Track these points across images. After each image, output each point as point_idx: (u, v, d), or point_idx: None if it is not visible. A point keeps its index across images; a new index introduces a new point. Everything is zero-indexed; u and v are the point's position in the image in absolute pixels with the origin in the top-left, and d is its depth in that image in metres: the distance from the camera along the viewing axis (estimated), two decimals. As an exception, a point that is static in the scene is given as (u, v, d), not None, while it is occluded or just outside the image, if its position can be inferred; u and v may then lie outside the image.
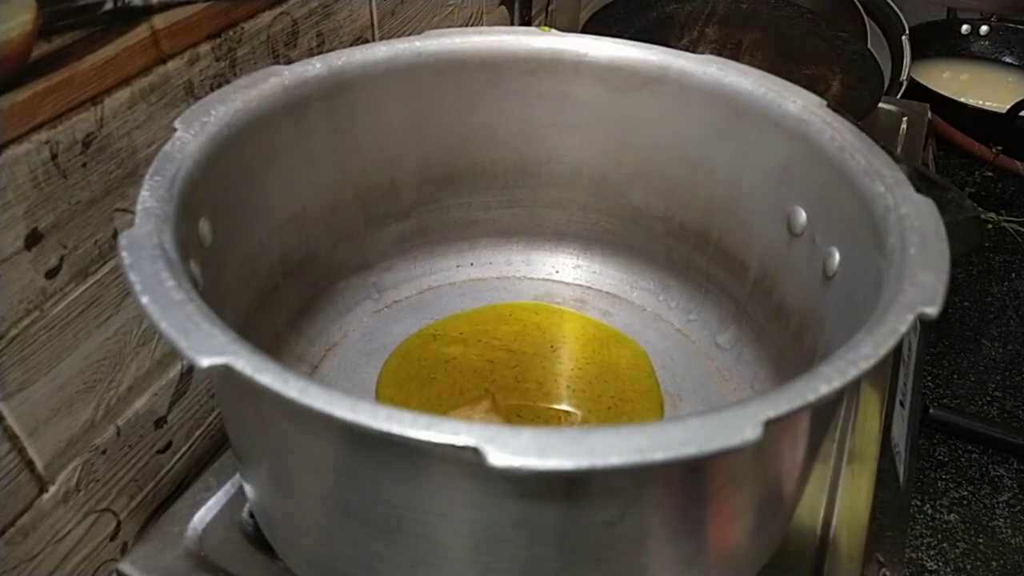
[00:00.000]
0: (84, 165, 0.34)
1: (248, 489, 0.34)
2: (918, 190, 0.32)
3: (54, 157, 0.32)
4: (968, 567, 0.57)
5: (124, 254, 0.25)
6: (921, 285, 0.26)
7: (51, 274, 0.34)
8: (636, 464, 0.19)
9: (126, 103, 0.35)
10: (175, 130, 0.32)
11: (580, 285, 0.50)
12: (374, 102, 0.41)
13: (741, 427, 0.20)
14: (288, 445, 0.26)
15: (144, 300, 0.23)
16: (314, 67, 0.38)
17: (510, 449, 0.20)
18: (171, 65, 0.37)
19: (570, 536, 0.24)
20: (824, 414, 0.29)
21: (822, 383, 0.22)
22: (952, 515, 0.61)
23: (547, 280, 0.51)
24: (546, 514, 0.23)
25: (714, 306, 0.46)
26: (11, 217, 0.31)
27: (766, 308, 0.41)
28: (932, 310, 0.25)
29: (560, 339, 0.46)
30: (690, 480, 0.24)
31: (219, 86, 0.40)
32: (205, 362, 0.21)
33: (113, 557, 0.41)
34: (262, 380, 0.21)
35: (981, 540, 0.59)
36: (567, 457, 0.20)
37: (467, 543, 0.25)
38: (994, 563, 0.58)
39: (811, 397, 0.21)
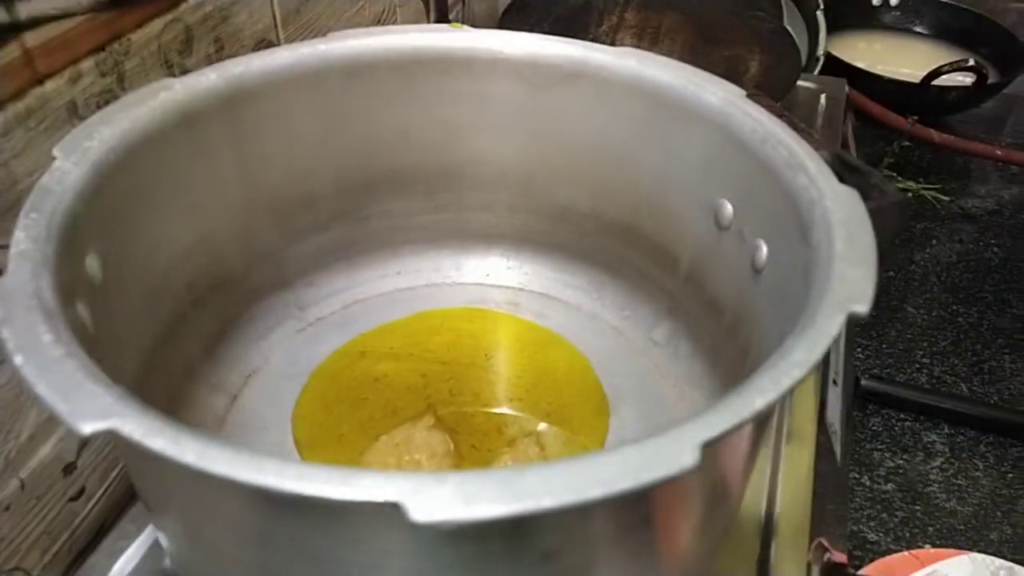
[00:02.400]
0: (-45, 202, 0.31)
1: (163, 541, 0.31)
2: (841, 178, 0.31)
3: (-83, 196, 0.29)
4: (907, 535, 0.59)
5: (-5, 307, 0.23)
6: (850, 282, 0.25)
7: (-75, 324, 0.30)
8: (571, 505, 0.18)
9: (-1, 130, 0.32)
10: (54, 159, 0.29)
11: (513, 287, 0.49)
12: (280, 112, 0.39)
13: (678, 453, 0.19)
14: (197, 505, 0.24)
15: (18, 360, 0.21)
16: (208, 78, 0.35)
17: (434, 501, 0.18)
18: (49, 86, 0.34)
19: (509, 574, 0.23)
20: (762, 420, 0.29)
21: (757, 396, 0.21)
22: (889, 484, 0.62)
23: (479, 284, 0.49)
24: (481, 554, 0.22)
25: (648, 302, 0.45)
26: None
27: (699, 302, 0.41)
28: (862, 308, 0.24)
29: (495, 346, 0.45)
30: (631, 504, 0.23)
31: (107, 103, 0.37)
32: (87, 428, 0.19)
33: (29, 617, 0.38)
34: (154, 445, 0.19)
35: (918, 507, 0.60)
36: (496, 503, 0.18)
37: (401, 591, 0.23)
38: (931, 528, 0.59)
39: (747, 413, 0.21)
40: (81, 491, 0.40)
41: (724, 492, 0.28)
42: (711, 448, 0.20)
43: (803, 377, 0.22)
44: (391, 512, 0.18)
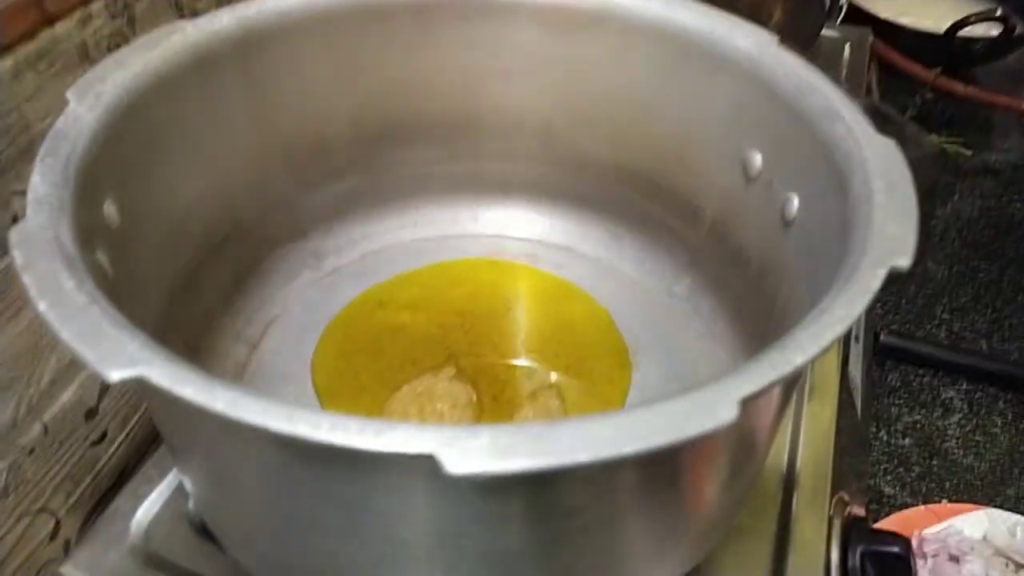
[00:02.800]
0: (-32, 146, 0.30)
1: (188, 486, 0.31)
2: (877, 129, 0.30)
3: (-70, 139, 0.28)
4: (924, 489, 0.59)
5: (16, 252, 0.22)
6: (890, 235, 0.25)
7: (-56, 270, 0.30)
8: (606, 460, 0.18)
9: (10, 73, 0.31)
10: (67, 103, 0.28)
11: (531, 239, 0.48)
12: (294, 56, 0.38)
13: (716, 408, 0.19)
14: (224, 452, 0.24)
15: (41, 306, 0.20)
16: (221, 20, 0.34)
17: (468, 454, 0.18)
18: (59, 27, 0.33)
19: (537, 527, 0.23)
20: (797, 376, 0.28)
21: (797, 353, 0.21)
22: (907, 439, 0.62)
23: (496, 236, 0.48)
24: (509, 508, 0.22)
25: (669, 255, 0.44)
26: None
27: (722, 256, 0.40)
28: (904, 262, 0.24)
29: (513, 298, 0.45)
30: (662, 459, 0.23)
31: (117, 47, 0.36)
32: (115, 375, 0.19)
33: (55, 556, 0.39)
34: (183, 393, 0.19)
35: (935, 462, 0.61)
36: (530, 457, 0.18)
37: (428, 541, 0.23)
38: (947, 484, 0.59)
39: (787, 369, 0.20)
40: (103, 436, 0.41)
41: (752, 448, 0.28)
42: (748, 404, 0.19)
43: (843, 333, 0.21)
44: (424, 464, 0.18)
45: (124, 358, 0.19)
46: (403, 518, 0.22)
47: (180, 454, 0.28)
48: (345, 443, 0.18)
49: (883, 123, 0.32)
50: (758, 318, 0.37)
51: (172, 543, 0.35)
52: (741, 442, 0.26)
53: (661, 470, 0.24)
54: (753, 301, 0.38)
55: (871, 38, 0.80)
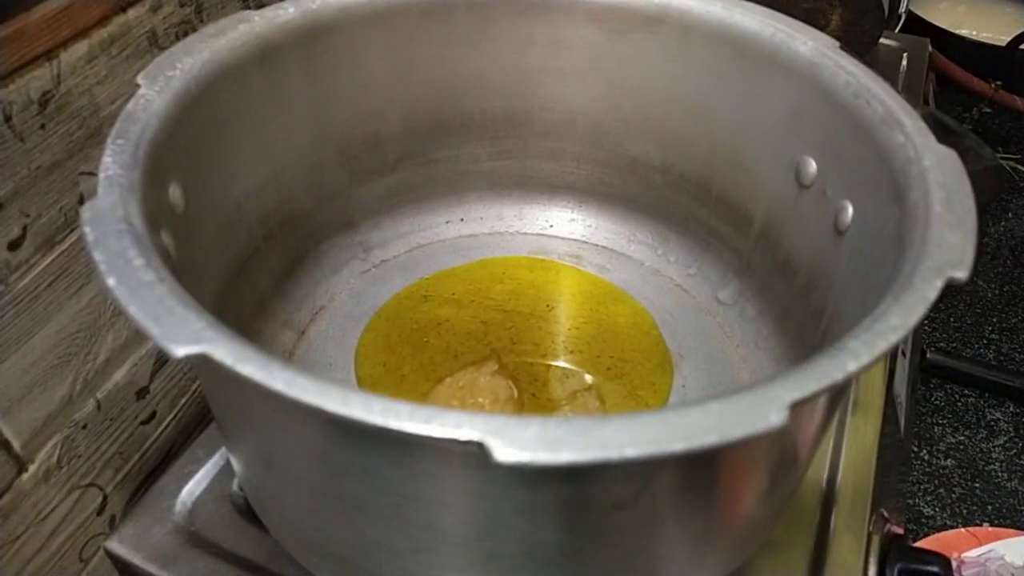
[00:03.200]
0: (42, 127, 0.31)
1: (236, 465, 0.32)
2: (937, 139, 0.30)
3: (8, 119, 0.29)
4: (964, 512, 0.58)
5: (87, 229, 0.23)
6: (948, 246, 0.24)
7: (14, 246, 0.31)
8: (653, 456, 0.18)
9: (84, 57, 0.32)
10: (138, 87, 0.29)
11: (575, 239, 0.48)
12: (354, 49, 0.39)
13: (765, 411, 0.19)
14: (275, 432, 0.24)
15: (110, 282, 0.21)
16: (287, 11, 0.35)
17: (517, 443, 0.18)
18: (131, 13, 0.34)
19: (577, 521, 0.23)
20: (846, 386, 0.28)
21: (849, 359, 0.20)
22: (949, 460, 0.61)
23: (541, 235, 0.49)
24: (553, 500, 0.22)
25: (715, 260, 0.44)
26: (-36, 186, 0.29)
27: (771, 263, 0.40)
28: (961, 274, 0.23)
29: (556, 297, 0.45)
30: (705, 461, 0.23)
31: (185, 35, 0.37)
32: (180, 351, 0.20)
33: (101, 531, 0.40)
34: (244, 371, 0.19)
35: (977, 484, 0.59)
36: (579, 449, 0.18)
37: (470, 530, 0.23)
38: (990, 507, 0.58)
39: (839, 376, 0.20)
40: (152, 415, 0.42)
41: (795, 456, 0.27)
42: (797, 409, 0.19)
43: (898, 342, 0.21)
44: (473, 451, 0.18)
45: (189, 335, 0.20)
46: (447, 505, 0.23)
47: (231, 431, 0.29)
48: (396, 427, 0.18)
49: (943, 133, 0.31)
50: (804, 327, 0.37)
51: (215, 523, 0.36)
52: (785, 448, 0.26)
53: (703, 471, 0.23)
54: (800, 310, 0.37)
55: (929, 48, 0.79)
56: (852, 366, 0.20)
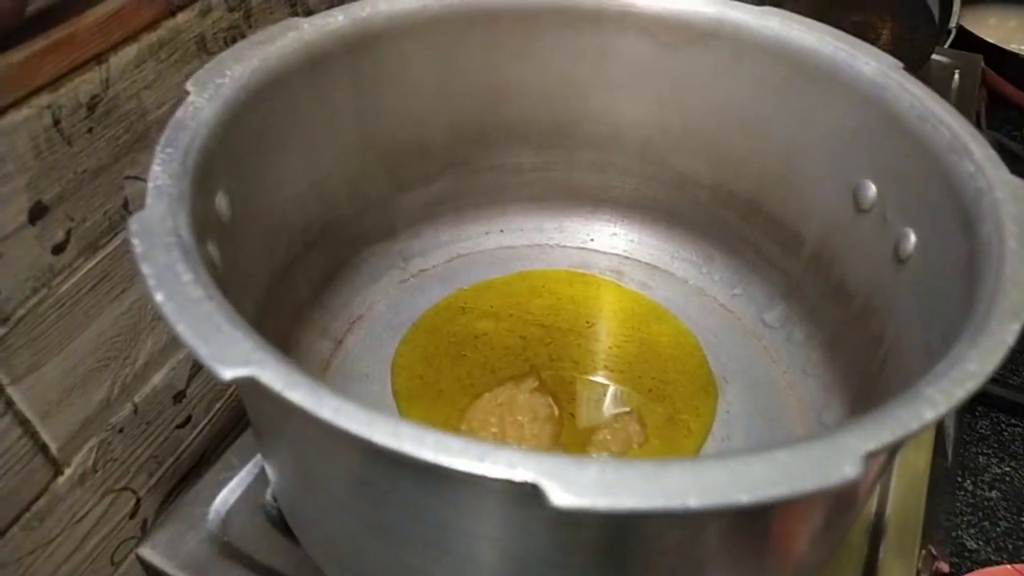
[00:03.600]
0: (90, 130, 0.31)
1: (271, 477, 0.32)
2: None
3: (57, 123, 0.29)
4: (1010, 546, 0.55)
5: (135, 241, 0.23)
6: (1026, 286, 0.23)
7: (58, 249, 0.31)
8: (718, 507, 0.17)
9: (133, 61, 0.32)
10: (187, 93, 0.29)
11: (617, 254, 0.47)
12: (401, 58, 0.38)
13: (838, 463, 0.18)
14: (317, 455, 0.24)
15: (159, 298, 0.21)
16: (336, 19, 0.35)
17: (574, 487, 0.17)
18: (181, 17, 0.34)
19: (623, 563, 0.22)
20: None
21: (926, 408, 0.19)
22: (994, 492, 0.59)
23: (582, 248, 0.48)
24: (600, 540, 0.21)
25: (762, 281, 0.43)
26: (13, 190, 0.28)
27: (823, 286, 0.38)
28: (1042, 317, 0.22)
29: (596, 314, 0.44)
30: (765, 508, 0.22)
31: (233, 40, 0.37)
32: (228, 374, 0.19)
33: (134, 535, 0.40)
34: (292, 397, 0.19)
35: (1023, 518, 0.57)
36: (640, 496, 0.17)
37: (513, 565, 0.23)
38: (1036, 542, 0.56)
39: (915, 426, 0.19)
40: (188, 419, 0.42)
41: (854, 501, 0.26)
42: (871, 460, 0.18)
43: (976, 389, 0.20)
44: (528, 492, 0.17)
45: (237, 357, 0.19)
46: (489, 539, 0.22)
47: (269, 446, 0.28)
48: (448, 464, 0.18)
49: (1010, 160, 0.30)
50: (859, 355, 0.35)
51: (248, 534, 0.36)
52: (846, 495, 0.25)
53: (760, 518, 0.22)
54: (854, 338, 0.36)
55: (982, 64, 0.77)
56: (929, 415, 0.19)
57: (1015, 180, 0.27)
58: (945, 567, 0.42)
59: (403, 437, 0.18)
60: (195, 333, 0.20)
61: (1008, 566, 0.53)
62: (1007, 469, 0.60)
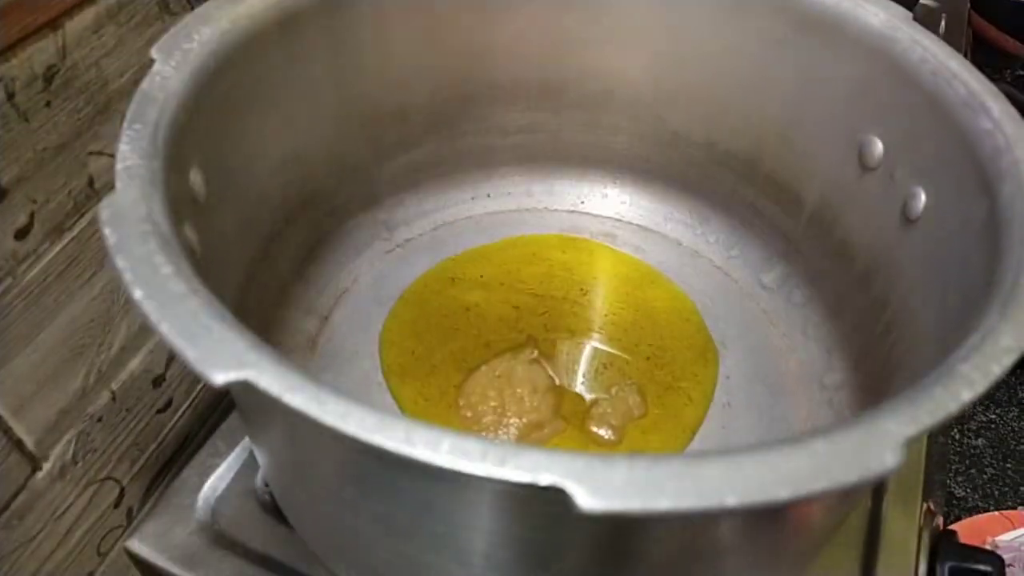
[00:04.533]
0: (48, 104, 0.28)
1: (262, 464, 0.30)
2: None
3: (11, 97, 0.27)
4: (996, 493, 0.56)
5: (107, 231, 0.21)
6: (1057, 252, 0.22)
7: (21, 234, 0.29)
8: (758, 504, 0.16)
9: (91, 26, 0.29)
10: (152, 61, 0.26)
11: (609, 217, 0.46)
12: (379, 16, 0.36)
13: (878, 451, 0.17)
14: (318, 455, 0.22)
15: (137, 294, 0.19)
16: (309, -25, 0.32)
17: (603, 490, 0.16)
18: (140, -24, 0.31)
19: (642, 556, 0.21)
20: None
21: (963, 388, 0.18)
22: (980, 440, 0.59)
23: (572, 212, 0.46)
24: (620, 536, 0.20)
25: (759, 242, 0.42)
26: (-35, 173, 0.26)
27: (824, 247, 0.37)
28: (1075, 284, 0.21)
29: (590, 280, 0.42)
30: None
31: (199, 1, 0.34)
32: (220, 378, 0.17)
33: (119, 524, 0.39)
34: (292, 402, 0.17)
35: (1009, 465, 0.58)
36: (675, 497, 0.16)
37: (528, 560, 0.22)
38: (1022, 488, 0.57)
39: (953, 407, 0.18)
40: (168, 403, 0.40)
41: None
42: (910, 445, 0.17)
43: (1011, 365, 0.19)
44: (553, 497, 0.16)
45: (229, 358, 0.18)
46: (505, 537, 0.21)
47: (262, 441, 0.27)
48: (468, 470, 0.16)
49: (1019, 112, 0.29)
50: (862, 318, 0.35)
51: (240, 521, 0.35)
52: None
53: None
54: (857, 300, 0.35)
55: (968, 8, 0.75)
56: (967, 395, 0.18)
57: (1035, 136, 0.26)
58: (940, 520, 0.43)
59: (417, 442, 0.17)
60: (180, 333, 0.18)
61: (996, 513, 0.54)
62: (992, 417, 0.61)
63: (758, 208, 0.41)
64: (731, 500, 0.16)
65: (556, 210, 0.46)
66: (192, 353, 0.18)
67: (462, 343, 0.39)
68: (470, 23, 0.38)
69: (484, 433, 0.35)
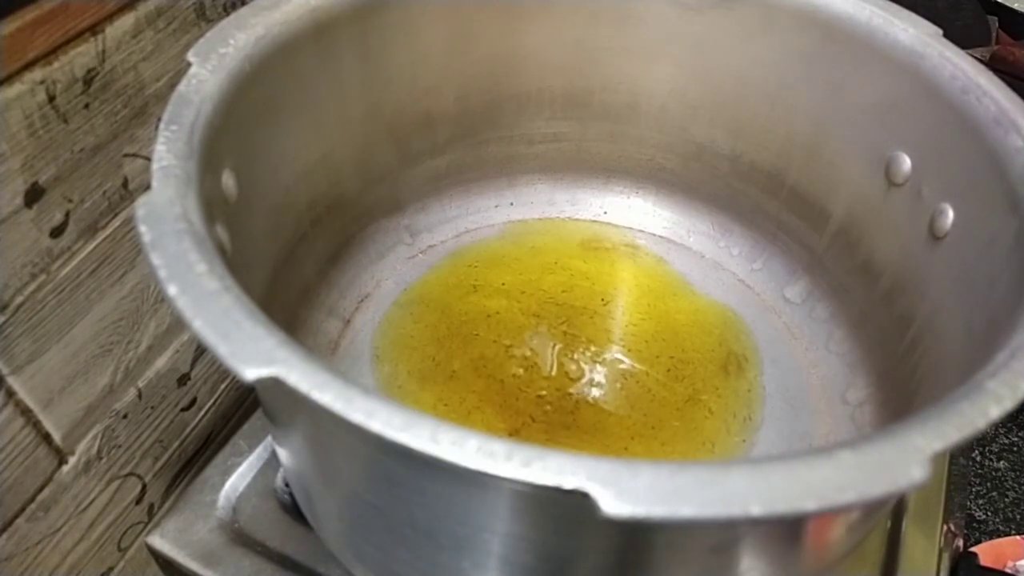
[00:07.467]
0: (86, 106, 0.29)
1: (285, 465, 0.31)
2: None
3: (51, 99, 0.27)
4: (1018, 517, 0.55)
5: (143, 228, 0.21)
6: (1088, 270, 0.22)
7: (56, 232, 0.30)
8: (783, 514, 0.16)
9: (130, 31, 0.30)
10: (189, 64, 0.27)
11: (631, 228, 0.46)
12: (409, 23, 0.36)
13: (905, 465, 0.17)
14: (343, 453, 0.22)
15: (171, 291, 0.19)
16: (342, -17, 0.33)
17: (628, 495, 0.16)
18: (179, -18, 0.32)
19: (669, 562, 0.21)
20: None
21: (991, 404, 0.18)
22: (1002, 462, 0.59)
23: (595, 221, 0.46)
24: (647, 543, 0.20)
25: (783, 255, 0.42)
26: (7, 171, 0.27)
27: (848, 262, 0.37)
28: (1106, 303, 0.21)
29: (611, 291, 0.43)
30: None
31: (233, 7, 0.35)
32: (250, 374, 0.18)
33: (140, 520, 0.39)
34: (321, 400, 0.17)
35: (1032, 489, 0.57)
36: (699, 504, 0.16)
37: (552, 565, 0.22)
38: (1045, 513, 0.56)
39: (980, 422, 0.18)
40: (192, 402, 0.40)
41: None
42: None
43: (1041, 381, 0.19)
44: (578, 501, 0.16)
45: (260, 355, 0.18)
46: (529, 541, 0.21)
47: (285, 440, 0.27)
48: (493, 471, 0.17)
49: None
50: (886, 334, 0.34)
51: (260, 520, 0.35)
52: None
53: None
54: (881, 315, 0.35)
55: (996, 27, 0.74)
56: (995, 411, 0.18)
57: (1065, 155, 0.26)
58: (960, 542, 0.42)
59: (443, 442, 0.17)
60: (214, 330, 0.19)
61: (1018, 537, 0.53)
62: (1015, 439, 0.60)
63: (782, 221, 0.41)
64: (756, 509, 0.16)
65: (579, 219, 0.46)
66: (224, 349, 0.18)
67: (482, 350, 0.39)
68: (496, 33, 0.39)
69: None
